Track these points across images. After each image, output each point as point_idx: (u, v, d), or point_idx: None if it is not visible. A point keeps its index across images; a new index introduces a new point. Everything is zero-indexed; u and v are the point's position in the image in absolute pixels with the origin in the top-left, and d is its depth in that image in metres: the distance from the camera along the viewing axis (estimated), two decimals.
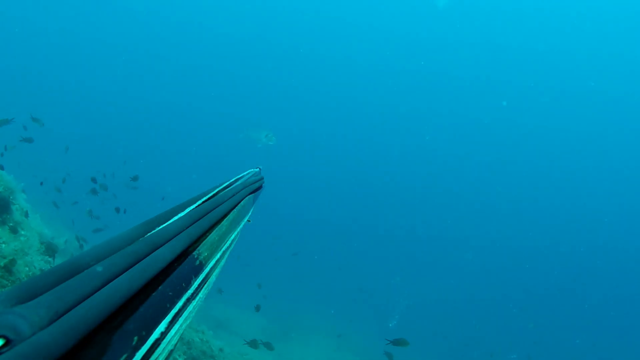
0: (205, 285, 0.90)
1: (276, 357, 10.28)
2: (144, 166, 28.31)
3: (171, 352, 0.72)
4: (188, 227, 0.87)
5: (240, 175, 1.52)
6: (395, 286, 23.83)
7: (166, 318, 0.68)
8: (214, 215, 1.02)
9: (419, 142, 40.68)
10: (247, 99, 40.99)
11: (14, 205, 6.48)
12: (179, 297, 0.73)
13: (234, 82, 41.23)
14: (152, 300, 0.66)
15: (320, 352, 14.24)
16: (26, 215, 6.56)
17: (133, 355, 0.58)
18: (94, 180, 9.67)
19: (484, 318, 21.81)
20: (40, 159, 18.10)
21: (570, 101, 36.41)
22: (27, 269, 5.68)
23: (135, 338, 0.59)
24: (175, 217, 0.87)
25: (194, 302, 0.81)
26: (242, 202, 1.31)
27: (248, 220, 1.44)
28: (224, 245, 1.08)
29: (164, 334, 0.67)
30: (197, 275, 0.84)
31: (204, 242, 0.93)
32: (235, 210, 1.21)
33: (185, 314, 0.76)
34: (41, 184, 11.24)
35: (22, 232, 6.28)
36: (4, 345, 0.42)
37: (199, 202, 1.03)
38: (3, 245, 5.53)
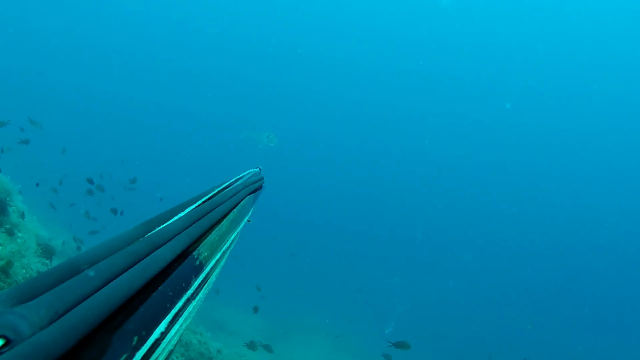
0: (206, 285, 0.90)
1: (275, 358, 10.26)
2: (142, 167, 28.25)
3: (171, 352, 0.72)
4: (188, 227, 0.87)
5: (240, 175, 1.52)
6: (393, 286, 23.85)
7: (166, 318, 0.68)
8: (214, 215, 1.02)
9: (419, 143, 40.74)
10: (245, 99, 40.98)
11: (11, 207, 6.45)
12: (179, 297, 0.73)
13: (233, 83, 41.20)
14: (152, 300, 0.66)
15: (318, 353, 14.22)
16: (22, 216, 6.53)
17: (133, 355, 0.58)
18: (90, 181, 9.65)
19: (483, 319, 21.84)
20: (38, 161, 18.03)
21: (572, 102, 36.51)
22: (24, 271, 5.66)
23: (135, 338, 0.59)
24: (175, 217, 0.87)
25: (194, 302, 0.81)
26: (242, 202, 1.31)
27: (248, 220, 1.44)
28: (224, 245, 1.08)
29: (164, 334, 0.67)
30: (197, 275, 0.84)
31: (204, 242, 0.93)
32: (235, 210, 1.21)
33: (186, 314, 0.76)
34: (37, 185, 11.20)
35: (19, 234, 6.25)
36: (4, 345, 0.42)
37: (199, 202, 1.03)
38: (0, 247, 5.50)
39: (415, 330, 17.37)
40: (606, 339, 23.48)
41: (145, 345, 0.61)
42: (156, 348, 0.64)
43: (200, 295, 0.85)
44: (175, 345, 0.74)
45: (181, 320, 0.74)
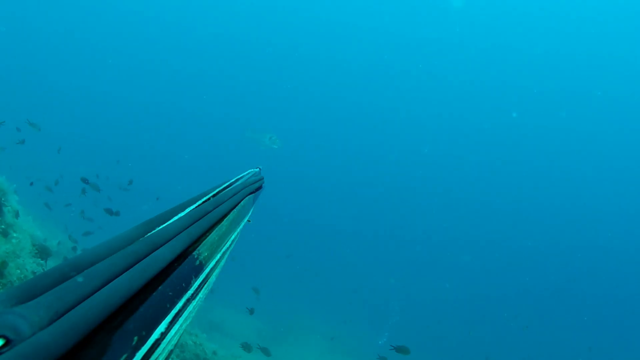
0: (206, 286, 0.89)
1: None
2: (139, 168, 28.17)
3: (171, 352, 0.72)
4: (188, 227, 0.87)
5: (241, 175, 1.52)
6: (390, 288, 23.86)
7: (166, 318, 0.68)
8: (214, 215, 1.02)
9: (417, 145, 40.83)
10: (244, 100, 40.94)
11: (6, 207, 6.41)
12: (179, 297, 0.73)
13: (232, 84, 41.15)
14: (152, 300, 0.65)
15: (315, 355, 14.21)
16: (16, 216, 6.49)
17: (133, 355, 0.58)
18: (84, 180, 9.59)
19: (479, 320, 21.89)
20: (34, 160, 17.94)
21: (572, 103, 36.66)
22: (19, 271, 5.62)
23: (135, 338, 0.59)
24: (175, 217, 0.87)
25: (194, 302, 0.81)
26: (242, 202, 1.30)
27: (248, 220, 1.44)
28: (224, 245, 1.07)
29: (164, 334, 0.66)
30: (197, 275, 0.83)
31: (204, 242, 0.93)
32: (235, 210, 1.21)
33: (185, 314, 0.76)
34: (31, 184, 11.14)
35: (14, 235, 6.21)
36: (4, 345, 0.42)
37: (199, 202, 1.02)
38: None
39: (412, 331, 17.39)
40: (603, 339, 23.58)
41: (145, 345, 0.61)
42: (156, 348, 0.64)
43: (200, 295, 0.85)
44: (176, 345, 0.74)
45: (181, 320, 0.73)
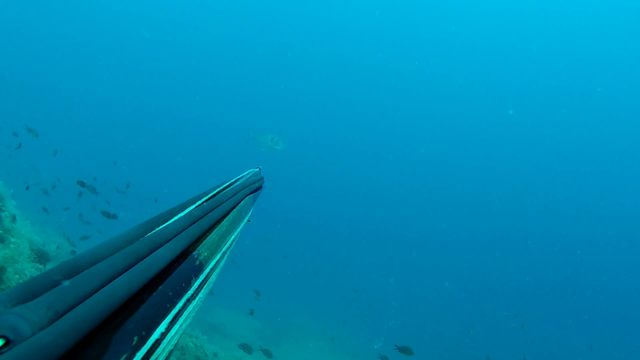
0: (206, 286, 0.89)
1: None
2: (137, 169, 28.13)
3: (171, 352, 0.72)
4: (188, 227, 0.87)
5: (241, 175, 1.52)
6: (389, 287, 23.86)
7: (166, 318, 0.68)
8: (214, 215, 1.02)
9: (416, 145, 40.87)
10: (242, 101, 40.91)
11: (3, 212, 6.39)
12: (179, 298, 0.73)
13: (230, 84, 41.11)
14: (152, 300, 0.65)
15: (315, 355, 14.19)
16: (13, 220, 6.47)
17: (133, 355, 0.58)
18: (81, 183, 9.55)
19: (480, 319, 21.89)
20: (31, 165, 17.89)
21: (570, 104, 36.73)
22: (17, 276, 5.60)
23: (135, 338, 0.59)
24: (175, 217, 0.87)
25: (194, 303, 0.81)
26: (242, 202, 1.30)
27: (248, 220, 1.44)
28: (224, 245, 1.07)
29: (164, 334, 0.66)
30: (197, 275, 0.83)
31: (204, 242, 0.93)
32: (235, 210, 1.21)
33: (185, 314, 0.76)
34: (27, 188, 11.10)
35: (12, 240, 6.19)
36: (4, 346, 0.42)
37: (199, 202, 1.03)
38: None
39: (412, 330, 17.40)
40: (604, 337, 23.61)
41: (145, 345, 0.61)
42: (156, 348, 0.64)
43: (200, 295, 0.85)
44: (175, 345, 0.74)
45: (181, 320, 0.73)
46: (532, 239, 33.74)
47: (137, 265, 0.65)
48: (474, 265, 30.89)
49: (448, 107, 39.88)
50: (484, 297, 26.40)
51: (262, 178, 1.81)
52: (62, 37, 37.36)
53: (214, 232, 1.00)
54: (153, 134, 38.20)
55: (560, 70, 35.51)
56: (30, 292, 0.50)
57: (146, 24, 38.15)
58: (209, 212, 1.01)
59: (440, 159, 40.64)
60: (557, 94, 36.62)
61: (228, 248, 1.13)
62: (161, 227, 0.81)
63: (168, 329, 0.68)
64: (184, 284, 0.76)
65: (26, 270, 5.84)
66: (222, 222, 1.09)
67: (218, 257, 1.01)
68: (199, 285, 0.84)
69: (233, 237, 1.18)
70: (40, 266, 6.23)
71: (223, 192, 1.20)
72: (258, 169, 1.89)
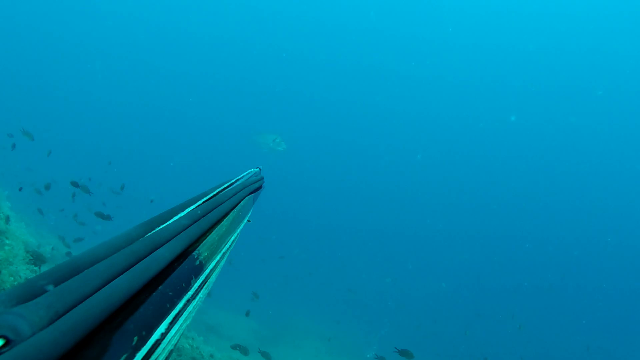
0: (206, 286, 0.89)
1: None
2: (132, 170, 28.01)
3: (171, 352, 0.71)
4: (188, 227, 0.87)
5: (241, 176, 1.52)
6: (386, 287, 23.85)
7: (167, 319, 0.67)
8: (214, 215, 1.02)
9: (413, 146, 40.92)
10: (241, 101, 40.84)
11: None
12: (179, 298, 0.73)
13: (229, 85, 41.03)
14: (152, 300, 0.65)
15: (312, 356, 14.18)
16: (7, 221, 6.43)
17: (133, 355, 0.57)
18: (74, 184, 9.49)
19: (476, 320, 21.91)
20: (25, 166, 17.77)
21: (569, 104, 36.88)
22: (12, 278, 5.56)
23: (135, 338, 0.59)
24: (175, 217, 0.87)
25: (193, 303, 0.81)
26: (242, 202, 1.30)
27: (248, 221, 1.44)
28: (225, 245, 1.07)
29: (164, 335, 0.66)
30: (197, 275, 0.83)
31: (204, 242, 0.93)
32: (235, 210, 1.21)
33: (185, 314, 0.76)
34: (20, 189, 11.03)
35: (7, 242, 6.15)
36: (4, 346, 0.42)
37: (199, 202, 1.02)
38: None
39: (408, 330, 17.41)
40: (601, 338, 23.69)
41: (145, 345, 0.61)
42: (156, 348, 0.64)
43: (200, 295, 0.85)
44: (176, 345, 0.74)
45: (181, 320, 0.73)
46: (529, 240, 33.86)
47: (137, 265, 0.65)
48: (471, 266, 30.96)
49: (446, 108, 40.01)
50: (480, 298, 26.46)
51: (262, 178, 1.81)
52: (58, 38, 37.20)
53: (214, 232, 1.00)
54: (149, 135, 38.07)
55: (559, 72, 35.68)
56: (30, 292, 0.50)
57: (142, 24, 38.03)
58: (209, 212, 1.01)
59: (436, 160, 40.75)
60: (555, 97, 36.80)
61: (228, 248, 1.13)
62: (161, 227, 0.81)
63: (168, 329, 0.68)
64: (184, 284, 0.76)
65: (21, 272, 5.80)
66: (222, 222, 1.09)
67: (218, 257, 1.00)
68: (199, 286, 0.84)
69: (233, 237, 1.18)
70: (36, 268, 6.19)
71: (223, 192, 1.20)
72: (258, 169, 1.89)
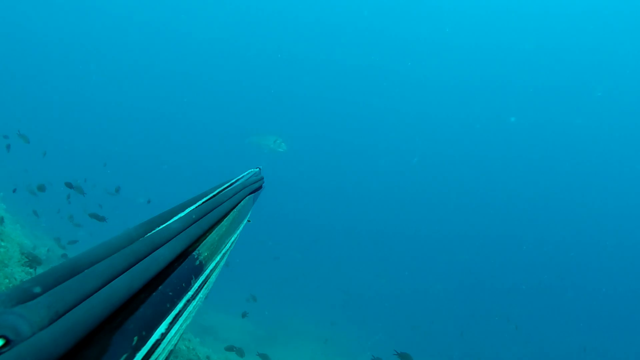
0: (206, 286, 0.89)
1: None
2: (129, 171, 27.89)
3: (171, 352, 0.71)
4: (188, 227, 0.86)
5: (241, 176, 1.52)
6: (381, 288, 23.85)
7: (167, 319, 0.67)
8: (214, 215, 1.02)
9: (411, 147, 40.99)
10: (240, 102, 40.80)
11: None
12: (179, 298, 0.73)
13: (227, 86, 40.98)
14: (152, 300, 0.65)
15: (308, 357, 14.16)
16: (2, 222, 6.39)
17: (133, 355, 0.57)
18: (68, 185, 9.43)
19: (473, 321, 21.94)
20: (20, 167, 17.66)
21: (569, 104, 37.02)
22: (7, 280, 5.53)
23: (135, 338, 0.59)
24: (175, 217, 0.87)
25: (193, 303, 0.81)
26: (242, 202, 1.30)
27: (248, 221, 1.44)
28: (225, 246, 1.07)
29: (164, 335, 0.66)
30: (197, 275, 0.83)
31: (204, 242, 0.93)
32: (235, 210, 1.21)
33: (185, 314, 0.76)
34: (14, 191, 10.96)
35: (2, 244, 6.12)
36: (4, 345, 0.42)
37: (199, 202, 1.02)
38: None
39: (403, 332, 17.42)
40: (598, 338, 23.77)
41: (145, 345, 0.61)
42: (156, 348, 0.64)
43: (200, 295, 0.85)
44: (176, 345, 0.74)
45: (181, 320, 0.73)
46: (526, 241, 33.98)
47: (137, 265, 0.65)
48: (468, 267, 31.00)
49: (445, 109, 40.15)
50: (476, 299, 26.50)
51: (262, 178, 1.81)
52: (52, 39, 37.03)
53: (214, 232, 1.00)
54: (145, 137, 37.93)
55: (559, 72, 35.87)
56: (30, 293, 0.49)
57: (138, 25, 37.95)
58: (209, 212, 1.01)
59: (434, 162, 40.86)
60: (555, 98, 37.00)
61: (228, 249, 1.13)
62: (161, 227, 0.80)
63: (168, 329, 0.68)
64: (184, 284, 0.76)
65: (16, 274, 5.77)
66: (222, 222, 1.09)
67: (218, 257, 1.00)
68: (199, 286, 0.84)
69: (233, 237, 1.18)
70: (31, 270, 6.15)
71: (223, 192, 1.20)
72: (258, 169, 1.90)
